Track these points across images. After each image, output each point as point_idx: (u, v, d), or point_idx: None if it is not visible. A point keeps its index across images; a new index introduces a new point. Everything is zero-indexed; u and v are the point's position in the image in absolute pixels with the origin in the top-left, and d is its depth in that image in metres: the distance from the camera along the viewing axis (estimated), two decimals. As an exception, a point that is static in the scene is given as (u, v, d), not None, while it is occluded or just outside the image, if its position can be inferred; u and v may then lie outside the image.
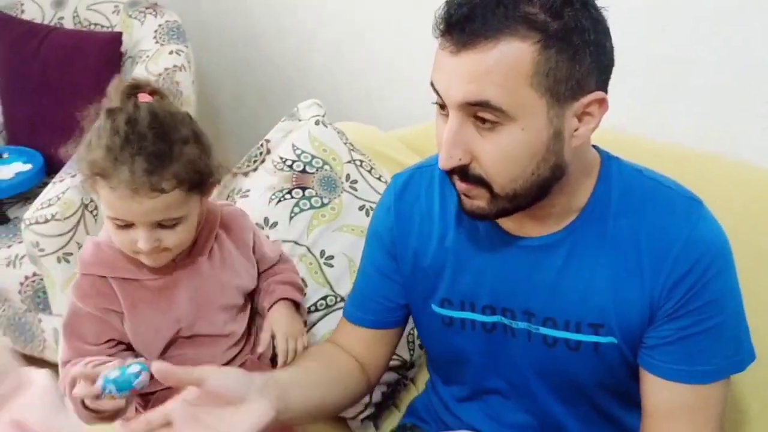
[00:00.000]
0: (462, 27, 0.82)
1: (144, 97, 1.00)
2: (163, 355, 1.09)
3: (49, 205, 1.67)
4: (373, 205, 1.44)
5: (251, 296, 1.21)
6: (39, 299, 1.87)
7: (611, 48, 0.87)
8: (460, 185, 0.91)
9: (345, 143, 1.52)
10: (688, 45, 1.51)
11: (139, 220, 0.98)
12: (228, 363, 1.14)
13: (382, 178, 1.51)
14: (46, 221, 1.66)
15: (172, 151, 0.97)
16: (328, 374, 1.07)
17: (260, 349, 1.14)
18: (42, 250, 1.68)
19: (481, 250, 1.01)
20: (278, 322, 1.15)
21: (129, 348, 1.09)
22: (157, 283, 1.07)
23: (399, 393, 1.41)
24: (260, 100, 2.44)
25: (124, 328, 1.06)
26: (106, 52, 2.15)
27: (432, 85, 0.87)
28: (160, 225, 0.99)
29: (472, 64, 0.81)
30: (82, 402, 0.95)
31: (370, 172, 1.51)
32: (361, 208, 1.43)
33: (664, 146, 1.38)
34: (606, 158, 0.98)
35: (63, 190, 1.71)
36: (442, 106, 0.88)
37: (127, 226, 0.99)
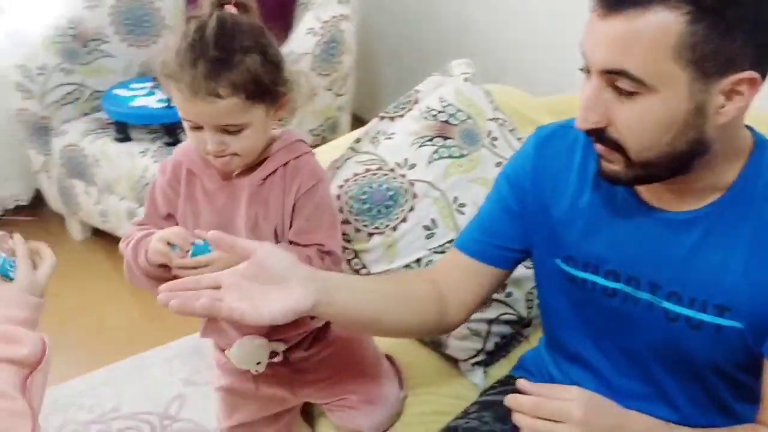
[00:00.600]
0: None
1: (230, 8, 1.06)
2: None
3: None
4: (510, 163, 1.50)
5: None
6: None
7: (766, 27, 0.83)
8: (598, 147, 0.92)
9: (490, 102, 1.57)
10: None
11: (202, 122, 1.06)
12: None
13: (522, 140, 1.55)
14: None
15: (231, 59, 1.02)
16: (392, 289, 1.10)
17: None
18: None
19: (616, 216, 1.01)
20: None
21: None
22: (212, 186, 1.16)
23: (512, 347, 1.45)
24: (417, 54, 2.52)
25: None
26: (281, -3, 2.30)
27: (581, 51, 0.89)
28: (225, 130, 1.06)
29: (617, 30, 0.82)
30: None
31: (511, 132, 1.55)
32: (498, 164, 1.48)
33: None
34: (760, 141, 0.95)
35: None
36: (588, 70, 0.89)
37: (197, 127, 1.07)
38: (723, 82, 0.83)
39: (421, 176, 1.43)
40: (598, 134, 0.90)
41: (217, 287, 0.90)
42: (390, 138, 1.50)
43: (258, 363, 1.20)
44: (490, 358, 1.40)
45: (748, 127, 0.96)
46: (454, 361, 1.40)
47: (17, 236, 0.99)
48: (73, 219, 2.59)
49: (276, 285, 0.92)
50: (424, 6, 2.64)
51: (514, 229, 1.12)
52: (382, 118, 1.55)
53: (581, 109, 0.89)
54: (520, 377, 1.23)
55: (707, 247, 0.95)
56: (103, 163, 2.29)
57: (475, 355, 1.38)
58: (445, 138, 1.47)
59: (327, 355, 1.24)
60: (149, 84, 2.37)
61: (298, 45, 2.33)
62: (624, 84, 0.84)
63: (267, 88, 1.07)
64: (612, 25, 0.83)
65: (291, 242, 1.16)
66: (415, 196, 1.42)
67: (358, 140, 1.49)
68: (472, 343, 1.37)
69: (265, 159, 1.15)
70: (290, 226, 1.16)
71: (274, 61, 1.08)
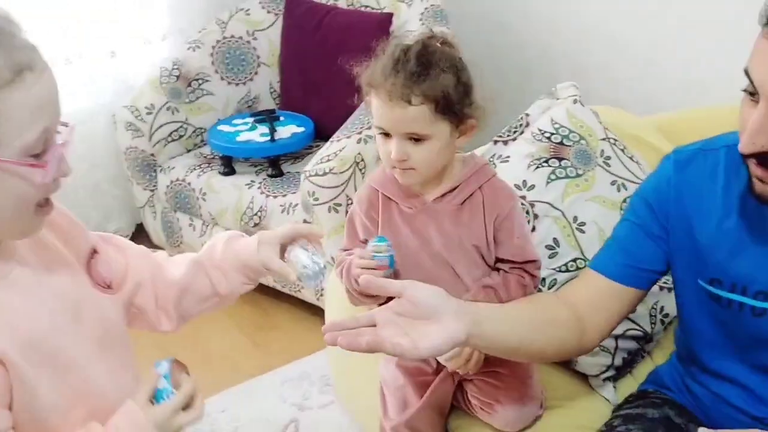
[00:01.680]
0: None
1: (435, 41, 1.18)
2: None
3: (328, 160, 1.91)
4: (624, 182, 1.51)
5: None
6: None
7: None
8: (757, 170, 0.93)
9: (599, 122, 1.60)
10: None
11: (391, 127, 1.16)
12: None
13: (633, 158, 1.57)
14: (324, 174, 1.90)
15: (428, 73, 1.13)
16: (534, 316, 1.13)
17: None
18: (317, 199, 1.93)
19: (763, 237, 1.02)
20: None
21: None
22: (409, 211, 1.25)
23: (636, 363, 1.46)
24: (504, 81, 2.57)
25: None
26: (377, 30, 2.37)
27: (746, 72, 0.90)
28: (410, 138, 1.16)
29: None
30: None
31: (623, 150, 1.58)
32: (612, 183, 1.51)
33: None
34: None
35: (341, 147, 1.95)
36: (753, 93, 0.90)
37: (386, 135, 1.17)
38: None
39: (540, 197, 1.46)
40: (762, 158, 0.91)
41: (373, 325, 0.95)
42: (506, 161, 1.54)
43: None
44: (618, 374, 1.42)
45: None
46: (583, 377, 1.41)
47: (191, 377, 1.02)
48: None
49: (428, 320, 0.96)
50: (512, 37, 2.69)
51: (655, 251, 1.14)
52: (496, 142, 1.60)
53: (748, 134, 0.90)
54: (655, 391, 1.25)
55: None
56: (209, 196, 2.38)
57: (605, 371, 1.40)
58: (560, 159, 1.51)
59: (494, 372, 1.28)
60: (250, 119, 2.47)
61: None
62: None
63: (455, 106, 1.16)
64: None
65: (504, 260, 1.25)
66: (536, 216, 1.45)
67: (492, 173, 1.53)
68: (601, 358, 1.39)
69: (455, 184, 1.24)
70: (495, 245, 1.24)
71: (467, 85, 1.18)
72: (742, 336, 1.07)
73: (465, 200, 1.24)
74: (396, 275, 1.22)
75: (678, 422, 1.15)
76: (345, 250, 1.31)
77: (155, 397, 0.98)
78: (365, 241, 1.27)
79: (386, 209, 1.27)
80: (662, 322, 1.46)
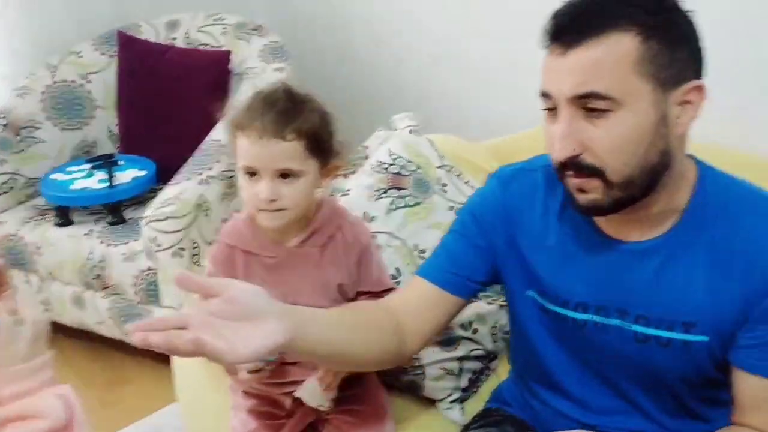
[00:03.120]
0: (568, 30, 0.92)
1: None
2: None
3: (168, 205, 1.85)
4: (461, 205, 1.55)
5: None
6: (152, 292, 2.04)
7: (702, 41, 0.95)
8: (575, 181, 0.97)
9: (435, 150, 1.64)
10: None
11: (263, 165, 1.15)
12: None
13: (469, 183, 1.62)
14: (165, 219, 1.83)
15: (297, 112, 1.16)
16: (356, 320, 1.10)
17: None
18: (159, 245, 1.86)
19: (581, 252, 1.07)
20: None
21: None
22: (272, 261, 1.23)
23: (481, 382, 1.49)
24: (353, 112, 2.59)
25: None
26: (216, 69, 2.35)
27: (541, 94, 0.96)
28: (282, 175, 1.16)
29: (580, 59, 0.91)
30: None
31: (458, 177, 1.62)
32: (450, 208, 1.54)
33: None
34: (702, 166, 1.04)
35: (180, 191, 1.89)
36: (551, 110, 0.96)
37: (254, 175, 1.16)
38: (677, 92, 0.93)
39: (382, 228, 1.48)
40: (575, 164, 0.95)
41: (185, 328, 0.83)
42: (346, 194, 1.54)
43: (331, 400, 1.23)
44: (465, 395, 1.44)
45: (690, 156, 1.04)
46: (431, 402, 1.42)
47: None
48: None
49: (247, 321, 0.87)
50: (359, 68, 2.73)
51: (480, 262, 1.16)
52: (336, 176, 1.60)
53: (558, 140, 0.94)
54: (497, 408, 1.28)
55: (669, 270, 1.01)
56: (45, 249, 2.24)
57: (451, 394, 1.41)
58: (399, 188, 1.53)
59: (352, 394, 1.28)
60: (87, 166, 2.36)
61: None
62: (596, 104, 0.91)
63: (324, 145, 1.19)
64: (574, 58, 0.91)
65: (365, 293, 1.26)
66: (378, 248, 1.46)
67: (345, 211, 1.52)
68: (447, 382, 1.41)
69: (315, 226, 1.24)
70: (357, 280, 1.26)
71: (330, 127, 1.22)
72: (569, 346, 1.12)
73: (327, 241, 1.25)
74: None
75: None
76: None
77: None
78: None
79: (247, 265, 1.24)
80: (504, 339, 1.50)
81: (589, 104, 0.92)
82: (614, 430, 1.02)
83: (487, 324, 1.48)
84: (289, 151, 1.15)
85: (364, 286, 1.27)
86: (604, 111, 0.92)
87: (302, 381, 1.24)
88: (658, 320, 1.02)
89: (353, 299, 1.28)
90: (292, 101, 1.17)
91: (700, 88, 0.94)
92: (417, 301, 1.16)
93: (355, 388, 1.30)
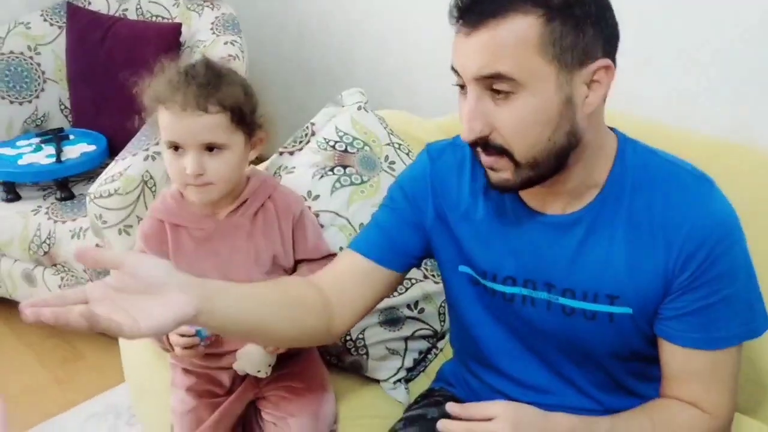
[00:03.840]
0: (472, 11, 0.90)
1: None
2: None
3: (113, 181, 1.81)
4: (409, 185, 1.55)
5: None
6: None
7: (614, 19, 0.94)
8: (485, 159, 0.97)
9: (384, 128, 1.62)
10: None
11: (188, 139, 1.14)
12: None
13: (418, 161, 1.61)
14: (110, 195, 1.80)
15: (219, 84, 1.15)
16: (278, 297, 1.05)
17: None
18: (105, 222, 1.83)
19: (507, 225, 1.07)
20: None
21: None
22: (202, 233, 1.23)
23: (429, 361, 1.50)
24: (307, 88, 2.56)
25: None
26: (166, 41, 2.29)
27: (452, 69, 0.96)
28: (208, 148, 1.15)
29: (483, 41, 0.90)
30: None
31: (407, 154, 1.61)
32: (397, 187, 1.53)
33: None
34: (622, 139, 1.04)
35: (126, 167, 1.85)
36: (462, 87, 0.96)
37: (178, 149, 1.15)
38: (583, 72, 0.91)
39: (326, 206, 1.46)
40: (483, 144, 0.95)
41: (85, 302, 0.80)
42: (291, 172, 1.52)
43: (270, 366, 1.22)
44: (411, 374, 1.44)
45: (612, 129, 1.04)
46: (375, 382, 1.42)
47: None
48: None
49: (151, 294, 0.84)
50: (309, 42, 2.69)
51: (411, 236, 1.15)
52: (281, 153, 1.58)
53: (465, 122, 0.94)
54: (440, 389, 1.28)
55: (591, 243, 1.02)
56: (-7, 225, 2.19)
57: (395, 374, 1.41)
58: (345, 167, 1.51)
59: (290, 371, 1.28)
60: (36, 140, 2.30)
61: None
62: (500, 86, 0.91)
63: (247, 117, 1.18)
64: (477, 39, 0.90)
65: (303, 260, 1.27)
66: (321, 227, 1.44)
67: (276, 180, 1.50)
68: (391, 362, 1.41)
69: (245, 198, 1.23)
70: (293, 249, 1.26)
71: (253, 99, 1.22)
72: (503, 323, 1.12)
73: (257, 211, 1.24)
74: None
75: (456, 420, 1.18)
76: None
77: None
78: None
79: (176, 238, 1.23)
80: (449, 314, 1.50)
81: (494, 85, 0.91)
82: (551, 408, 1.02)
83: (434, 303, 1.48)
84: (213, 123, 1.14)
85: (301, 254, 1.26)
86: (508, 93, 0.91)
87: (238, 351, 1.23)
88: (583, 293, 1.03)
89: (293, 270, 1.27)
90: (213, 74, 1.16)
91: (608, 68, 0.93)
92: (349, 276, 1.13)
93: (294, 366, 1.30)
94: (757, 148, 1.40)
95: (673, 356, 1.02)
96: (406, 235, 1.15)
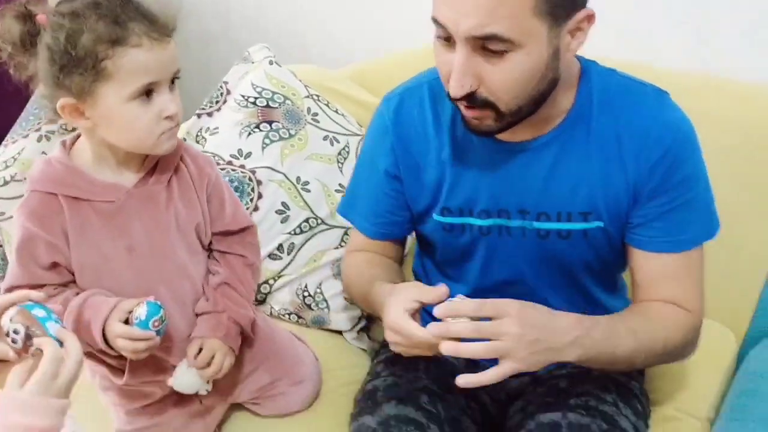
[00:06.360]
0: None
1: (42, 18, 0.93)
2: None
3: (7, 167, 1.65)
4: (336, 135, 1.52)
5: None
6: (4, 264, 1.84)
7: None
8: (468, 112, 0.98)
9: (299, 81, 1.58)
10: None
11: (165, 72, 0.95)
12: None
13: (339, 111, 1.58)
14: (6, 183, 1.64)
15: (149, 7, 0.95)
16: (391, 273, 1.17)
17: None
18: (2, 214, 1.67)
19: (476, 159, 1.08)
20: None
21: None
22: (109, 206, 1.01)
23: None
24: (205, 47, 2.46)
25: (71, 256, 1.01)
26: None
27: (434, 20, 0.93)
28: (172, 81, 0.97)
29: (481, 0, 0.87)
30: None
31: (327, 105, 1.58)
32: (325, 138, 1.50)
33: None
34: (585, 63, 1.07)
35: (19, 150, 1.69)
36: (447, 39, 0.93)
37: (150, 95, 0.95)
38: (569, 23, 0.93)
39: (260, 163, 1.42)
40: (469, 98, 0.95)
41: None
42: (215, 133, 1.46)
43: (208, 382, 1.11)
44: (369, 323, 1.43)
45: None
46: (339, 333, 1.41)
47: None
48: None
49: None
50: (191, 6, 2.56)
51: (400, 206, 1.17)
52: (200, 115, 1.50)
53: (455, 78, 0.93)
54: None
55: (562, 165, 1.05)
56: None
57: (357, 323, 1.41)
58: (271, 122, 1.46)
59: (248, 350, 1.18)
60: None
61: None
62: (494, 46, 0.90)
63: None
64: None
65: (220, 233, 1.12)
66: (260, 183, 1.40)
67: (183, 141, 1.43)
68: (351, 312, 1.40)
69: (156, 160, 1.04)
70: (210, 219, 1.10)
71: None
72: (478, 259, 1.14)
73: (171, 176, 1.05)
74: (110, 289, 1.02)
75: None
76: (16, 287, 0.98)
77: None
78: (52, 266, 1.01)
79: (76, 215, 0.99)
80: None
81: (487, 45, 0.90)
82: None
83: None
84: (175, 48, 0.97)
85: (218, 226, 1.11)
86: (502, 52, 0.91)
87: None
88: (558, 214, 1.06)
89: (209, 247, 1.13)
90: (134, 6, 0.94)
91: (591, 16, 0.95)
92: (389, 252, 1.23)
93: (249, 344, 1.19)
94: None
95: (644, 262, 1.07)
96: (397, 207, 1.18)
